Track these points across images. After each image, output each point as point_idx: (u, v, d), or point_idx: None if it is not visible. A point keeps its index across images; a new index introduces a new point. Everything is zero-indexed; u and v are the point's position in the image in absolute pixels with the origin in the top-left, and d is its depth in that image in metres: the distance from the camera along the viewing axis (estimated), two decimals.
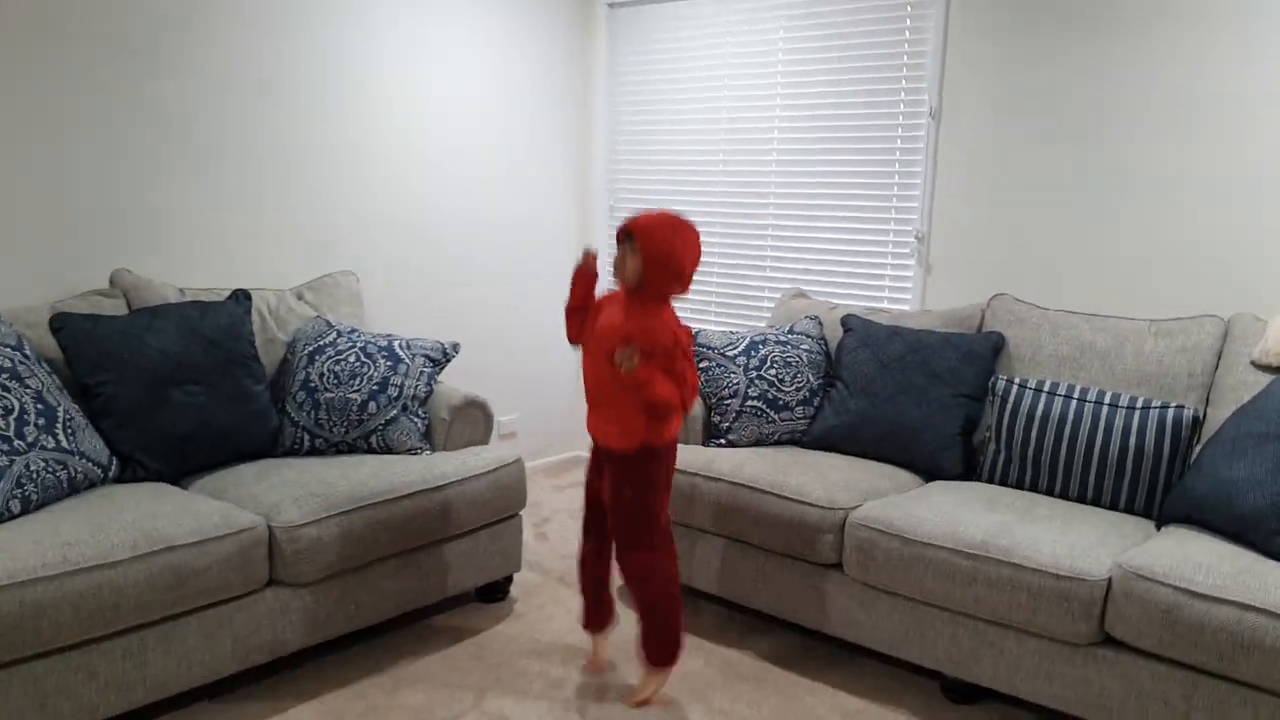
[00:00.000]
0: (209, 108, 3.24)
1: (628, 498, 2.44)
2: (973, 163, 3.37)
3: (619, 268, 2.38)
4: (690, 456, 2.99)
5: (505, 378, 4.29)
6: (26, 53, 2.83)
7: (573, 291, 2.56)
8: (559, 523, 3.80)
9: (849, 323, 3.27)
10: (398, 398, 2.99)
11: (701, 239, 2.46)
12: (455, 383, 3.82)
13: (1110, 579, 2.24)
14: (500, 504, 2.96)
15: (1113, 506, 2.67)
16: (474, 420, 3.10)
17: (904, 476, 2.93)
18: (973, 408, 2.97)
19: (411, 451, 2.97)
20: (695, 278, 4.20)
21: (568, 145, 4.43)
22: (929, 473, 2.97)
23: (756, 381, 3.15)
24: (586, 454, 4.62)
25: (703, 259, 4.22)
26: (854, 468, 2.92)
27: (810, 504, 2.69)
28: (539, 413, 4.47)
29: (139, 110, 3.08)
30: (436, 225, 3.96)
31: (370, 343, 3.08)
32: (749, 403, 3.13)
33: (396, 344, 3.09)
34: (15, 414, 2.42)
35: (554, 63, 4.32)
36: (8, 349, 2.51)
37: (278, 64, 3.38)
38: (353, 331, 3.13)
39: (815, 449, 3.13)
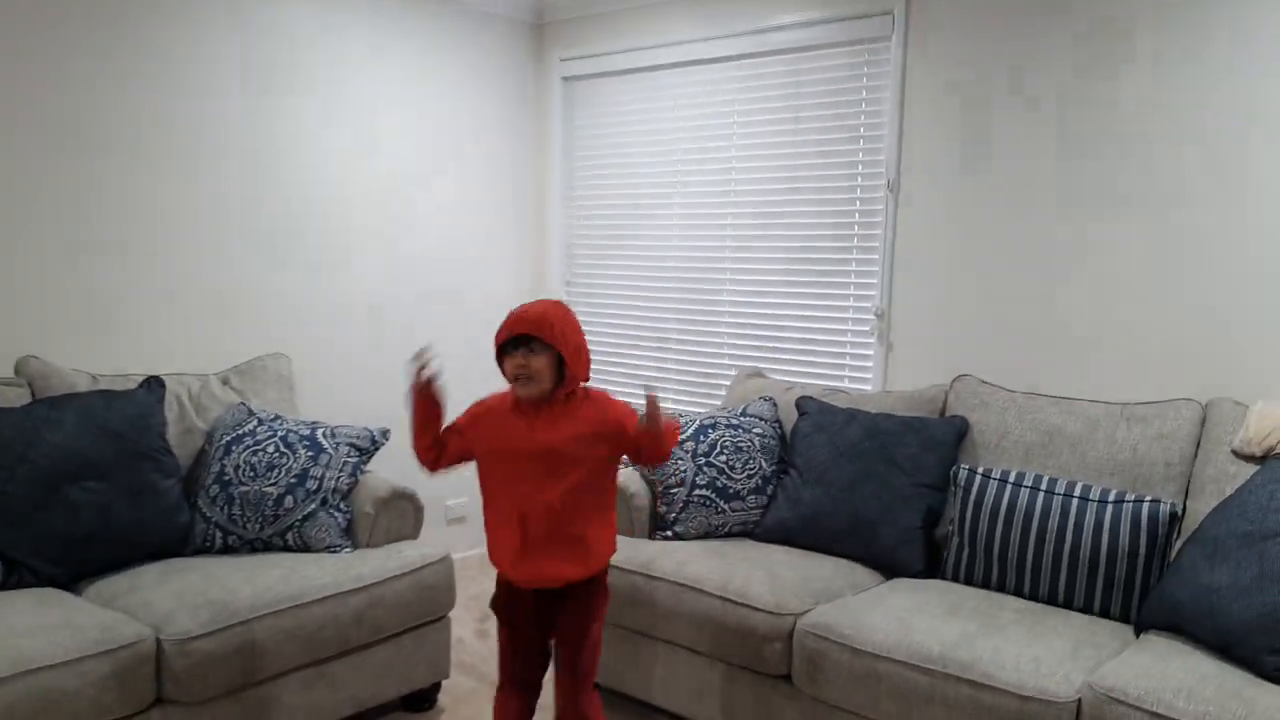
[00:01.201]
0: (131, 179, 3.09)
1: (595, 631, 2.19)
2: (933, 236, 3.21)
3: (519, 378, 2.06)
4: (632, 552, 2.77)
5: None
6: None
7: (416, 413, 2.16)
8: None
9: (804, 405, 3.09)
10: (317, 491, 2.79)
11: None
12: (399, 466, 3.59)
13: (1080, 700, 2.01)
14: (425, 606, 2.74)
15: (1085, 609, 2.44)
16: (402, 513, 2.89)
17: (861, 574, 2.72)
18: (935, 498, 2.77)
19: (330, 549, 2.75)
20: (649, 356, 4.16)
21: (521, 217, 4.29)
22: (889, 569, 2.75)
23: (705, 469, 2.95)
24: None
25: (657, 339, 4.18)
26: (808, 564, 2.70)
27: (757, 608, 2.47)
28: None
29: (56, 185, 2.93)
30: (378, 302, 3.79)
31: (292, 431, 2.88)
32: (697, 491, 2.92)
33: (320, 432, 2.90)
34: None
35: (506, 135, 4.20)
36: None
37: (200, 132, 3.24)
38: (275, 419, 2.94)
39: (768, 542, 2.91)
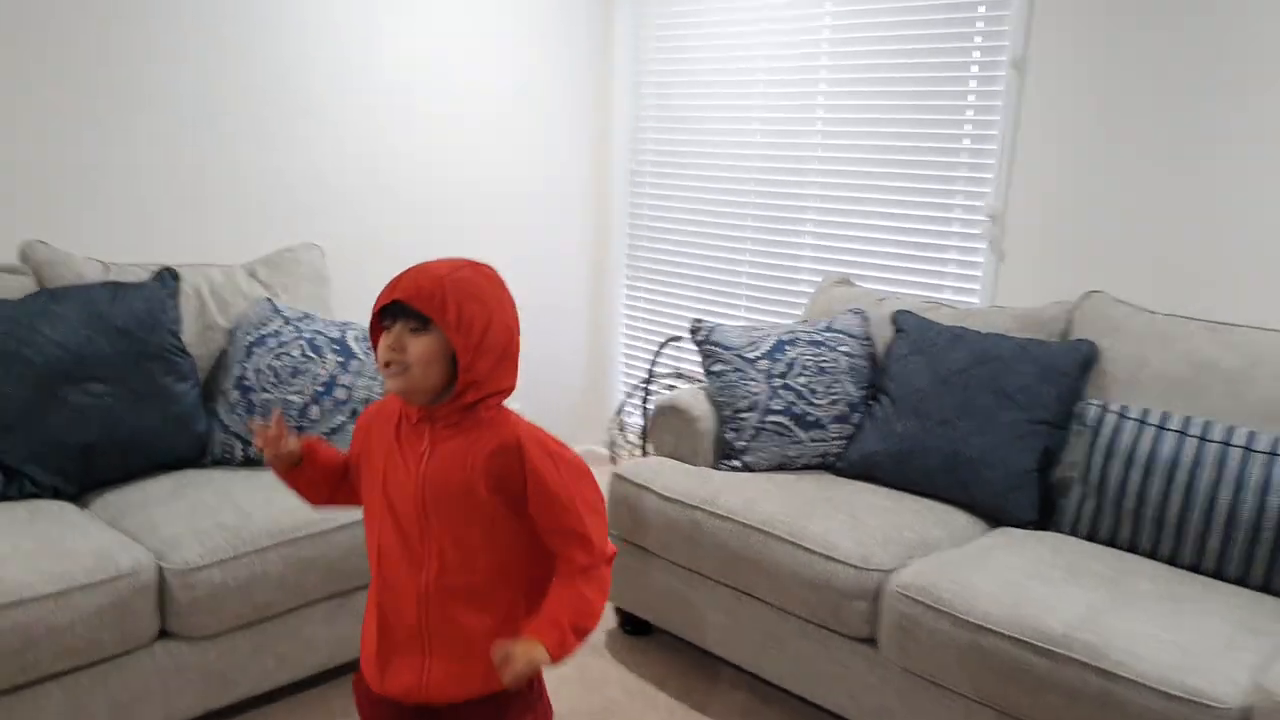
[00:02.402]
0: (158, 50, 2.74)
1: None
2: (1067, 124, 2.71)
3: (389, 365, 1.36)
4: (694, 483, 2.44)
5: None
6: None
7: (293, 486, 1.54)
8: None
9: (901, 321, 2.67)
10: (345, 401, 2.49)
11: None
12: None
13: (1251, 710, 1.64)
14: None
15: (1240, 581, 2.04)
16: None
17: (961, 520, 2.35)
18: (1053, 437, 2.37)
19: None
20: (719, 259, 3.72)
21: (583, 102, 3.84)
22: (993, 516, 2.38)
23: (781, 392, 2.57)
24: (600, 449, 4.14)
25: (730, 243, 3.71)
26: (898, 508, 2.34)
27: (839, 560, 2.13)
28: (545, 402, 3.94)
29: (70, 59, 2.60)
30: (421, 193, 3.43)
31: (320, 333, 2.58)
32: (771, 418, 2.56)
33: (351, 335, 2.59)
34: None
35: (568, 14, 3.73)
36: None
37: (228, 13, 2.86)
38: (303, 318, 2.63)
39: (851, 478, 2.55)
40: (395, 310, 1.36)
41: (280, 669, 2.21)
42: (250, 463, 2.48)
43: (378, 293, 1.39)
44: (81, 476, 2.29)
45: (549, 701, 1.53)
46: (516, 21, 3.57)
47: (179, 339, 2.47)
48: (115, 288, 2.41)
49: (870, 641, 2.12)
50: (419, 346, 1.34)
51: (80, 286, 2.40)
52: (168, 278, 2.54)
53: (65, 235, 2.64)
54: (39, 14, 2.55)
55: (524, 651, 1.29)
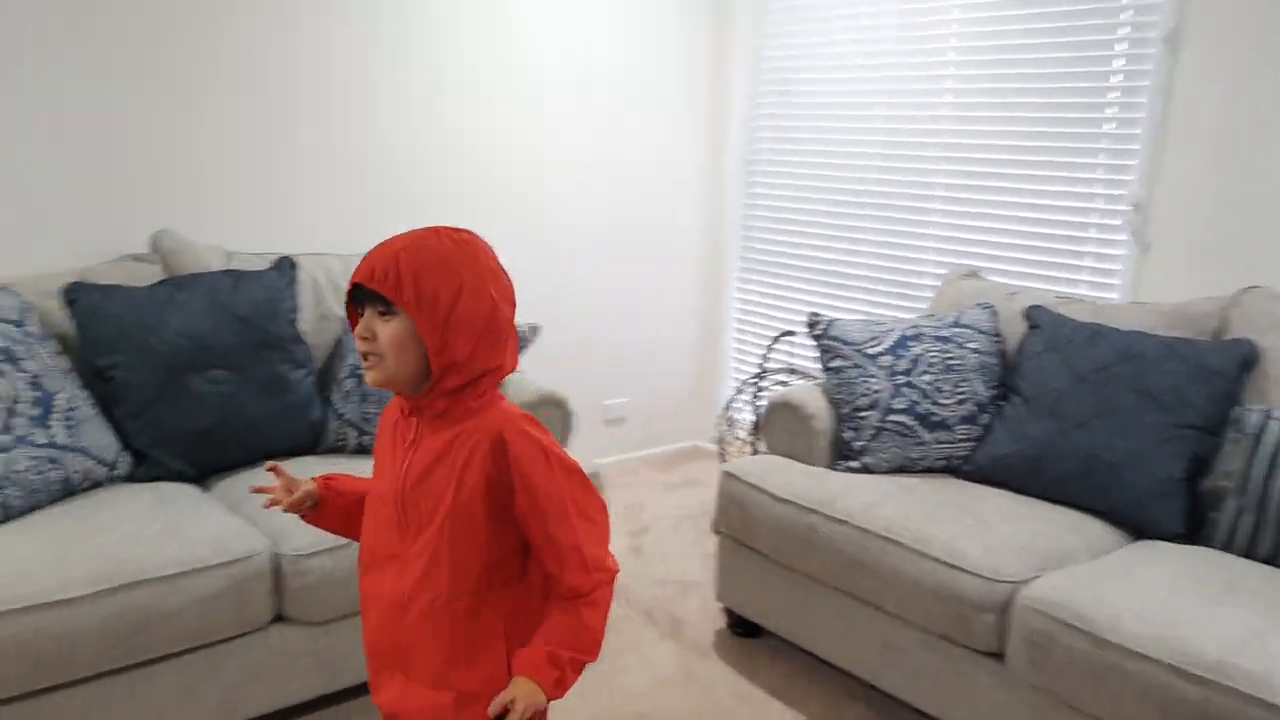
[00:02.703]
0: (278, 46, 2.80)
1: None
2: (1224, 103, 2.49)
3: (366, 356, 1.22)
4: (810, 485, 2.34)
5: (616, 355, 3.73)
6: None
7: (328, 528, 1.44)
8: (659, 535, 3.23)
9: (1035, 316, 2.51)
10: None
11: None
12: (555, 359, 3.26)
13: None
14: None
15: None
16: (550, 420, 2.56)
17: (1098, 530, 2.19)
18: (1204, 444, 2.18)
19: None
20: (837, 250, 3.57)
21: (699, 88, 3.76)
22: (1136, 528, 2.20)
23: (905, 390, 2.45)
24: (707, 444, 4.05)
25: (850, 233, 3.56)
26: (1030, 515, 2.19)
27: (966, 570, 2.00)
28: (653, 396, 3.89)
29: (197, 54, 2.69)
30: (537, 179, 3.41)
31: None
32: (893, 417, 2.43)
33: None
34: (3, 404, 2.05)
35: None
36: (8, 325, 2.16)
37: (350, 7, 2.90)
38: None
39: (978, 482, 2.40)
40: (362, 295, 1.21)
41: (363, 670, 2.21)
42: (363, 451, 2.50)
43: None
44: (203, 461, 2.35)
45: None
46: (633, 4, 3.51)
47: (296, 327, 2.51)
48: (236, 276, 2.46)
49: (997, 656, 1.99)
50: (388, 331, 1.19)
51: (204, 275, 2.45)
52: (286, 267, 2.58)
53: (192, 224, 2.71)
54: (175, 10, 2.62)
55: (524, 697, 1.17)
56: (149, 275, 2.49)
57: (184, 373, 2.31)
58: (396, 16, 3.00)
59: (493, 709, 1.18)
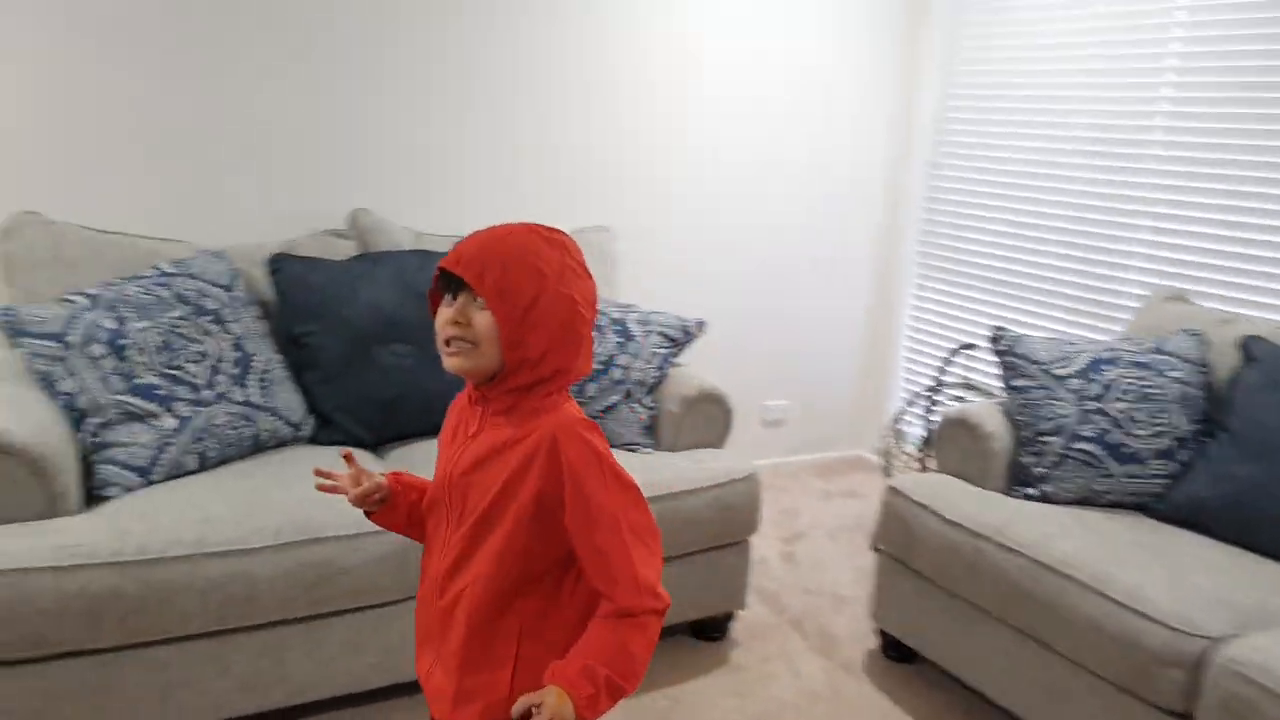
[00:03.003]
0: (475, 39, 2.90)
1: None
2: None
3: (450, 342, 1.20)
4: (982, 509, 2.22)
5: (778, 355, 3.66)
6: None
7: (393, 526, 1.40)
8: (814, 543, 3.15)
9: (1253, 348, 2.29)
10: (621, 381, 2.50)
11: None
12: (717, 356, 3.23)
13: None
14: (722, 528, 2.39)
15: None
16: (709, 417, 2.54)
17: None
18: None
19: (629, 447, 2.48)
20: (1024, 263, 3.36)
21: (885, 87, 3.64)
22: None
23: (1094, 416, 2.28)
24: (871, 455, 3.91)
25: (1040, 245, 3.36)
26: (1232, 566, 2.00)
27: (1152, 619, 1.84)
28: (815, 400, 3.80)
29: (397, 43, 2.83)
30: (709, 177, 3.39)
31: (602, 313, 2.60)
32: (1079, 445, 2.28)
33: (631, 317, 2.60)
34: (210, 361, 2.22)
35: None
36: (218, 289, 2.33)
37: (547, 2, 2.97)
38: None
39: (1172, 524, 2.22)
40: (453, 282, 1.19)
41: None
42: None
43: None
44: (381, 429, 2.46)
45: None
46: (819, 2, 3.43)
47: None
48: (423, 256, 2.56)
49: (1184, 717, 1.83)
50: (484, 320, 1.16)
51: (394, 253, 2.57)
52: None
53: (387, 205, 2.84)
54: (386, 9, 2.76)
55: (553, 706, 1.08)
56: (345, 250, 2.63)
57: (371, 344, 2.42)
58: (582, 15, 3.04)
59: (517, 708, 1.11)
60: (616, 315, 2.58)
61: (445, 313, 1.20)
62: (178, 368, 2.16)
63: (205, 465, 2.16)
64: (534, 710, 1.09)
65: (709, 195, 3.39)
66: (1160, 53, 2.87)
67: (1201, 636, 1.80)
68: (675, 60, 3.23)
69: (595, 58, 3.10)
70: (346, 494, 1.31)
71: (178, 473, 2.10)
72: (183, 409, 2.13)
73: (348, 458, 1.35)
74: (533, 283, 1.16)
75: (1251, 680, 1.69)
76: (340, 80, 2.78)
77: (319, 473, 1.34)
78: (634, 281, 3.09)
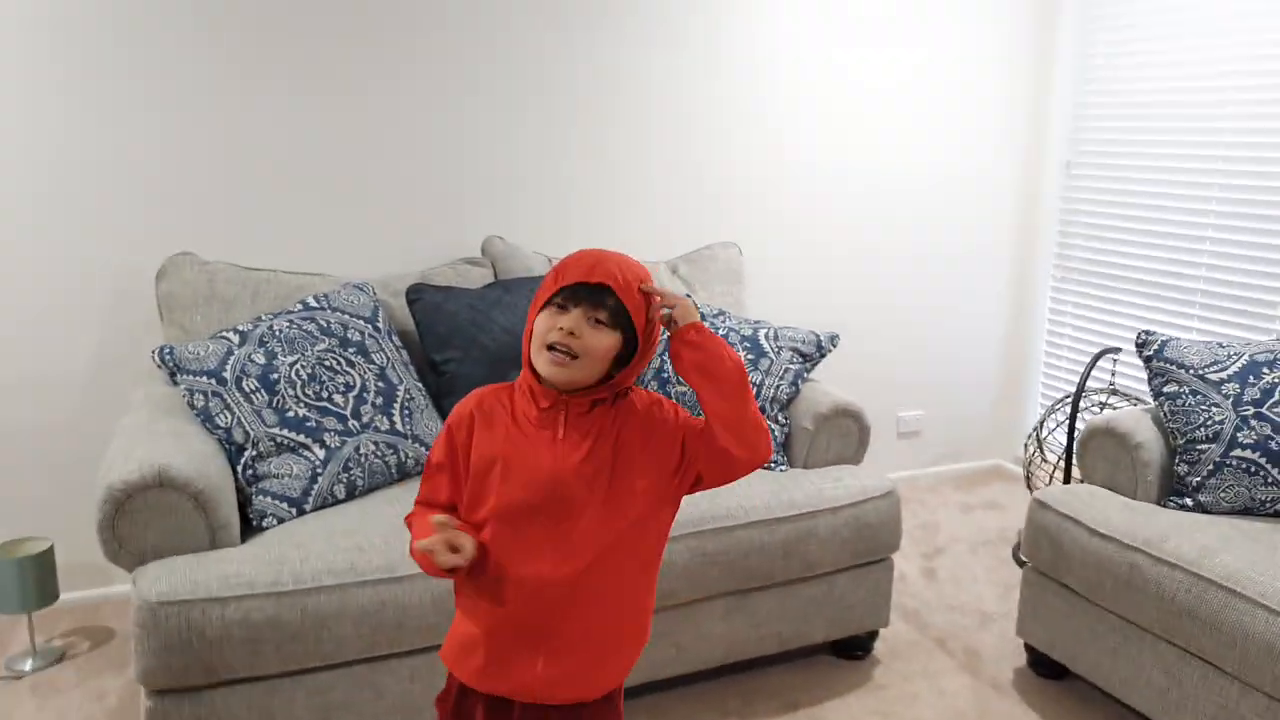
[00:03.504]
0: (599, 66, 2.97)
1: None
2: None
3: (554, 349, 1.26)
4: (1134, 520, 2.13)
5: (913, 365, 3.60)
6: (412, 25, 2.74)
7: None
8: (955, 557, 3.07)
9: None
10: (755, 398, 2.50)
11: None
12: (851, 368, 3.20)
13: None
14: (862, 545, 2.36)
15: None
16: (844, 432, 2.51)
17: None
18: None
19: (765, 466, 2.47)
20: (1168, 260, 3.20)
21: (1019, 85, 3.53)
22: None
23: (1254, 422, 2.17)
24: (1010, 465, 3.79)
25: (1185, 243, 3.15)
26: None
27: None
28: (951, 409, 3.71)
29: (532, 76, 2.92)
30: (844, 184, 3.36)
31: (734, 330, 2.62)
32: (1237, 452, 2.16)
33: (763, 333, 2.60)
34: (355, 391, 2.33)
35: None
36: (361, 321, 2.44)
37: (667, 19, 3.00)
38: (718, 315, 2.70)
39: None
40: (578, 294, 1.26)
41: (679, 659, 2.27)
42: None
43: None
44: None
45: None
46: (937, 9, 3.37)
47: None
48: None
49: None
50: (601, 341, 1.26)
51: (528, 278, 2.64)
52: None
53: (517, 232, 2.93)
54: (516, 36, 2.85)
55: (679, 294, 1.30)
56: (480, 278, 2.72)
57: (508, 369, 2.49)
58: (710, 34, 3.07)
59: (648, 287, 1.28)
60: (748, 332, 2.59)
61: (559, 320, 1.26)
62: (325, 399, 2.28)
63: (354, 494, 2.26)
64: (660, 297, 1.28)
65: (837, 205, 3.37)
66: None
67: None
68: (800, 78, 3.21)
69: (726, 74, 3.11)
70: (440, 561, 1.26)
71: (328, 502, 2.20)
72: (331, 439, 2.24)
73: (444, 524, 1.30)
74: (658, 329, 1.31)
75: None
76: (471, 109, 2.87)
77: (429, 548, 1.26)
78: (762, 297, 3.10)
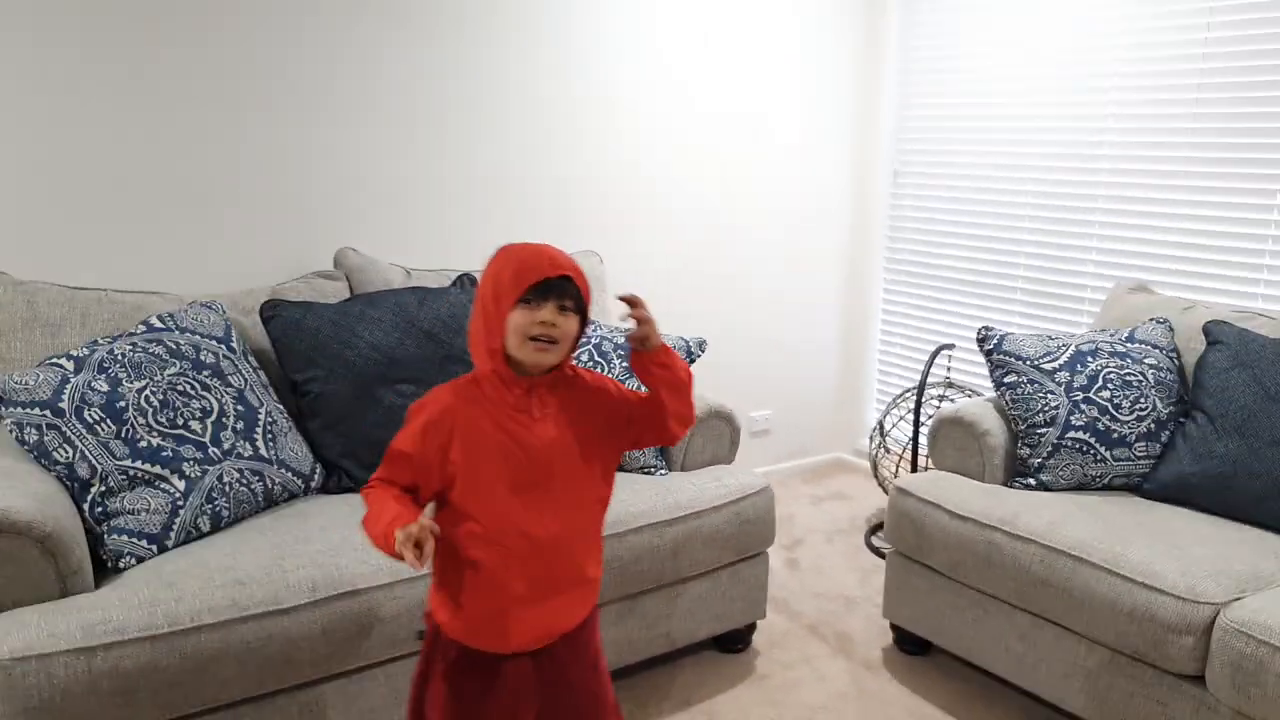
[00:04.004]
0: (451, 70, 2.91)
1: (606, 685, 1.65)
2: None
3: (537, 339, 1.43)
4: (989, 502, 2.32)
5: (760, 366, 3.75)
6: (252, 26, 2.60)
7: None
8: (813, 548, 3.23)
9: (1215, 332, 2.45)
10: None
11: None
12: (717, 382, 3.30)
13: None
14: (743, 541, 2.44)
15: None
16: (718, 434, 2.60)
17: None
18: None
19: (644, 470, 2.51)
20: (991, 261, 3.54)
21: (846, 103, 3.76)
22: None
23: (1083, 406, 2.41)
24: (851, 457, 4.03)
25: (1004, 244, 3.44)
26: (1221, 537, 2.14)
27: (1163, 591, 1.96)
28: (797, 407, 3.90)
29: (378, 77, 2.81)
30: (689, 197, 3.46)
31: (605, 339, 2.64)
32: (1071, 434, 2.40)
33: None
34: (214, 417, 2.19)
35: (833, 6, 3.65)
36: (213, 341, 2.29)
37: (522, 19, 2.99)
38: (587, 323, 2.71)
39: (1160, 501, 2.36)
40: (546, 290, 1.42)
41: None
42: None
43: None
44: None
45: None
46: (783, 16, 3.53)
47: None
48: (423, 293, 2.56)
49: (1197, 680, 1.95)
50: (572, 326, 1.46)
51: (391, 291, 2.56)
52: (466, 283, 2.68)
53: (372, 242, 2.84)
54: (357, 45, 2.75)
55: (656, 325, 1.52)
56: (335, 291, 2.61)
57: (375, 386, 2.41)
58: (553, 46, 3.08)
59: (625, 294, 1.48)
60: (620, 340, 2.62)
61: (540, 313, 1.42)
62: (181, 426, 2.12)
63: (220, 526, 2.12)
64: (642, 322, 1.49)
65: (688, 215, 3.46)
66: (1108, 45, 3.03)
67: (1208, 603, 1.92)
68: (646, 86, 3.28)
69: (565, 87, 3.13)
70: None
71: (192, 536, 2.06)
72: (191, 469, 2.09)
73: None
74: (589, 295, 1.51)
75: (1256, 638, 1.81)
76: (314, 116, 2.75)
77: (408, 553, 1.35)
78: (620, 306, 3.13)
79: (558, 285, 1.42)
